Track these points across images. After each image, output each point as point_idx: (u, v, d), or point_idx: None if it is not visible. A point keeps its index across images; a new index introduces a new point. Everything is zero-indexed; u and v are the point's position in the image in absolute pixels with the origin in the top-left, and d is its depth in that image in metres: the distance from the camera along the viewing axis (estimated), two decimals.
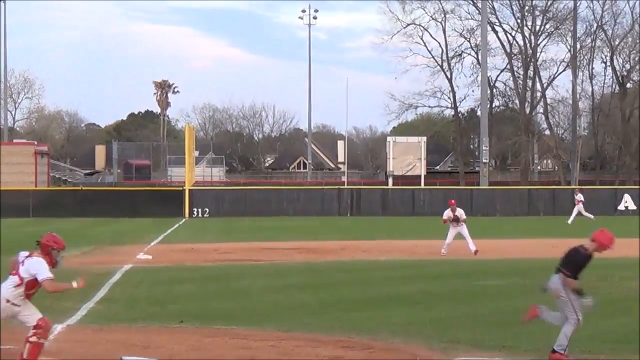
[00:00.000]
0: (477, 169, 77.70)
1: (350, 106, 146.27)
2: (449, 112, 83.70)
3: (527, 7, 76.05)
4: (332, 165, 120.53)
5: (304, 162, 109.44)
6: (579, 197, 47.91)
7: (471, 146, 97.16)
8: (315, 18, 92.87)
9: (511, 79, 78.40)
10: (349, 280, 21.19)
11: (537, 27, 76.23)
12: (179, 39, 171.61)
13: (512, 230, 40.31)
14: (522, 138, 76.98)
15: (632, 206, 55.96)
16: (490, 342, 13.13)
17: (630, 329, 13.99)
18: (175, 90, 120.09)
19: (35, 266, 10.92)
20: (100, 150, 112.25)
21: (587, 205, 48.08)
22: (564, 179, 75.04)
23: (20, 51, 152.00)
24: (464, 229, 27.67)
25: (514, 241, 33.49)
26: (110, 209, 52.86)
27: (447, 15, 77.90)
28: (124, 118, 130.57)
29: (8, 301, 11.03)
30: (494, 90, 78.50)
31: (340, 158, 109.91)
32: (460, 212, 27.62)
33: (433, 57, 78.71)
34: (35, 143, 71.50)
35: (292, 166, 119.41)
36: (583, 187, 62.52)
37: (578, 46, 74.84)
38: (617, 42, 76.31)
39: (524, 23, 76.17)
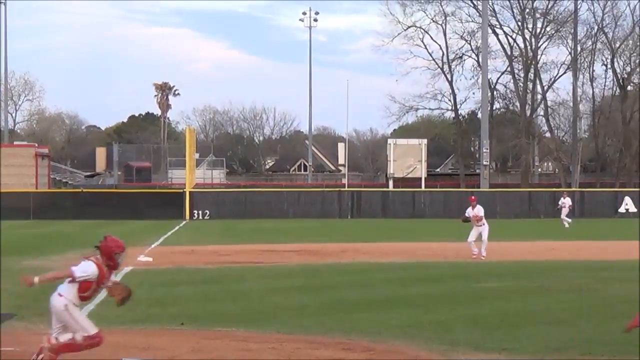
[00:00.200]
0: (477, 171, 77.74)
1: (351, 108, 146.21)
2: (450, 115, 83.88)
3: (527, 10, 76.12)
4: (333, 168, 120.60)
5: (304, 164, 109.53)
6: (567, 201, 47.18)
7: (472, 148, 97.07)
8: (315, 20, 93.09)
9: (512, 81, 78.48)
10: (349, 282, 21.19)
11: (538, 30, 76.36)
12: (179, 41, 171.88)
13: (513, 232, 40.29)
14: (522, 140, 76.98)
15: (632, 209, 55.99)
16: (490, 344, 13.13)
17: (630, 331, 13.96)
18: (176, 92, 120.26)
19: (80, 265, 10.81)
20: (100, 153, 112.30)
21: (588, 207, 48.06)
22: (565, 181, 75.05)
23: (20, 53, 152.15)
24: (484, 232, 27.66)
25: (514, 243, 33.50)
26: (111, 211, 52.90)
27: (448, 18, 78.06)
28: (125, 120, 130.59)
29: (61, 295, 10.84)
30: (495, 93, 78.52)
31: (341, 160, 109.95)
32: (478, 210, 27.66)
33: (434, 59, 78.84)
34: (36, 145, 71.52)
35: (293, 168, 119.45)
36: (584, 189, 62.62)
37: (579, 49, 74.88)
38: (617, 45, 76.33)
39: (525, 25, 76.25)
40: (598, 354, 12.46)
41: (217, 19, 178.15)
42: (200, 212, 54.85)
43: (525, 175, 78.71)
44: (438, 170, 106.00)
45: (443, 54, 78.65)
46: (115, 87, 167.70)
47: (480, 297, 18.47)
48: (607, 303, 17.39)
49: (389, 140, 71.46)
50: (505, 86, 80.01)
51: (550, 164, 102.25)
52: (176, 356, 12.42)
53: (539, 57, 76.50)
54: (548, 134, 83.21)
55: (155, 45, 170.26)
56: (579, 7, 74.50)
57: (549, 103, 78.68)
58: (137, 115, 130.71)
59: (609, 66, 77.36)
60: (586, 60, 76.81)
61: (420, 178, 65.79)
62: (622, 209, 56.33)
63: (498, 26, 76.38)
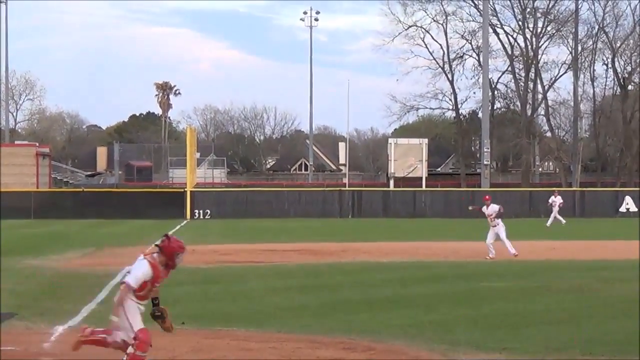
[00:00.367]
0: (478, 170, 77.73)
1: (352, 108, 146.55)
2: (451, 114, 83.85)
3: (528, 9, 76.11)
4: (334, 167, 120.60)
5: (305, 163, 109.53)
6: (557, 199, 47.22)
7: (472, 148, 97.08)
8: (316, 20, 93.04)
9: (512, 81, 78.47)
10: (350, 282, 21.19)
11: (539, 29, 76.34)
12: (180, 41, 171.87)
13: (513, 232, 40.08)
14: (523, 140, 76.97)
15: (633, 208, 55.97)
16: (491, 344, 13.13)
17: (630, 331, 13.98)
18: (177, 92, 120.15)
19: (134, 267, 10.68)
20: (101, 152, 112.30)
21: (589, 207, 48.05)
22: (565, 181, 75.04)
23: (21, 53, 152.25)
24: (501, 232, 27.62)
25: (514, 243, 33.45)
26: (112, 210, 52.95)
27: (449, 17, 78.00)
28: (126, 120, 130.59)
29: (132, 300, 10.71)
30: (496, 92, 78.48)
31: (342, 160, 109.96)
32: (492, 208, 27.60)
33: (434, 59, 78.81)
34: (37, 144, 71.53)
35: (294, 168, 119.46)
36: (584, 189, 62.59)
37: (579, 48, 74.88)
38: (618, 44, 76.31)
39: (526, 25, 76.25)
40: (598, 353, 12.45)
41: (217, 18, 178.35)
42: (201, 211, 54.85)
43: (526, 174, 78.73)
44: (439, 169, 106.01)
45: (444, 53, 78.73)
46: (116, 86, 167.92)
47: (481, 297, 18.46)
48: (607, 303, 17.39)
49: (390, 140, 71.46)
50: (506, 86, 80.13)
51: (550, 163, 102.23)
52: (176, 356, 12.42)
53: (539, 56, 76.55)
54: (549, 134, 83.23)
55: (156, 45, 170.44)
56: (579, 6, 74.63)
57: (550, 102, 78.76)
58: (138, 114, 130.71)
59: (609, 66, 77.41)
60: (587, 59, 76.85)
61: (421, 177, 65.78)
62: (622, 209, 56.31)
63: (499, 26, 76.48)
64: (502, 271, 23.44)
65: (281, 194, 60.26)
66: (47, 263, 25.74)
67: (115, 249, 31.53)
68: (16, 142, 78.88)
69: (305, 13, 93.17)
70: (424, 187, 62.83)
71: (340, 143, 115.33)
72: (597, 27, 75.53)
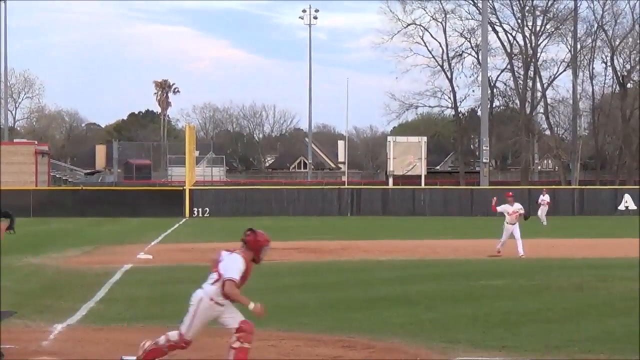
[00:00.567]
0: (477, 169, 77.69)
1: (351, 106, 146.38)
2: (450, 112, 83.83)
3: (527, 7, 76.14)
4: (333, 165, 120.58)
5: (304, 162, 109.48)
6: (546, 197, 47.28)
7: (471, 146, 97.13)
8: (315, 18, 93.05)
9: (511, 79, 78.48)
10: (349, 280, 21.18)
11: (538, 27, 76.34)
12: (179, 40, 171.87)
13: None
14: (522, 138, 77.02)
15: (632, 206, 55.98)
16: (490, 342, 13.12)
17: (630, 329, 13.97)
18: (176, 90, 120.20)
19: (228, 263, 10.62)
20: (100, 150, 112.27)
21: (588, 205, 48.04)
22: (564, 179, 75.06)
23: (20, 51, 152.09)
24: (518, 231, 27.66)
25: (513, 241, 33.47)
26: (111, 208, 52.90)
27: (448, 15, 78.08)
28: (125, 118, 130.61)
29: (212, 299, 10.64)
30: (495, 90, 78.51)
31: (341, 158, 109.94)
32: (518, 205, 27.69)
33: (433, 57, 78.87)
34: (36, 143, 71.56)
35: (293, 166, 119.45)
36: (584, 187, 62.59)
37: (578, 46, 74.93)
38: (617, 42, 76.36)
39: (525, 23, 76.26)
40: (598, 352, 12.44)
41: (217, 17, 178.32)
42: (200, 209, 54.83)
43: (525, 172, 78.73)
44: (438, 167, 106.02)
45: (443, 51, 78.77)
46: (115, 84, 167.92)
47: (480, 295, 18.45)
48: (607, 301, 17.38)
49: (389, 138, 71.43)
50: (505, 84, 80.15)
51: (550, 161, 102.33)
52: (176, 354, 12.41)
53: (538, 54, 76.57)
54: (548, 132, 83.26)
55: (156, 43, 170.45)
56: (578, 4, 74.69)
57: (549, 101, 78.81)
58: (137, 112, 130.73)
59: (608, 64, 77.48)
60: (586, 57, 76.95)
61: (420, 176, 65.74)
62: (622, 207, 56.30)
63: (498, 24, 76.50)
64: (502, 269, 23.43)
65: (280, 192, 60.21)
66: (46, 261, 25.74)
67: (115, 247, 31.56)
68: (15, 141, 78.85)
69: (304, 11, 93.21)
70: (423, 185, 62.78)
71: (339, 141, 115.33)
72: (596, 25, 75.70)
